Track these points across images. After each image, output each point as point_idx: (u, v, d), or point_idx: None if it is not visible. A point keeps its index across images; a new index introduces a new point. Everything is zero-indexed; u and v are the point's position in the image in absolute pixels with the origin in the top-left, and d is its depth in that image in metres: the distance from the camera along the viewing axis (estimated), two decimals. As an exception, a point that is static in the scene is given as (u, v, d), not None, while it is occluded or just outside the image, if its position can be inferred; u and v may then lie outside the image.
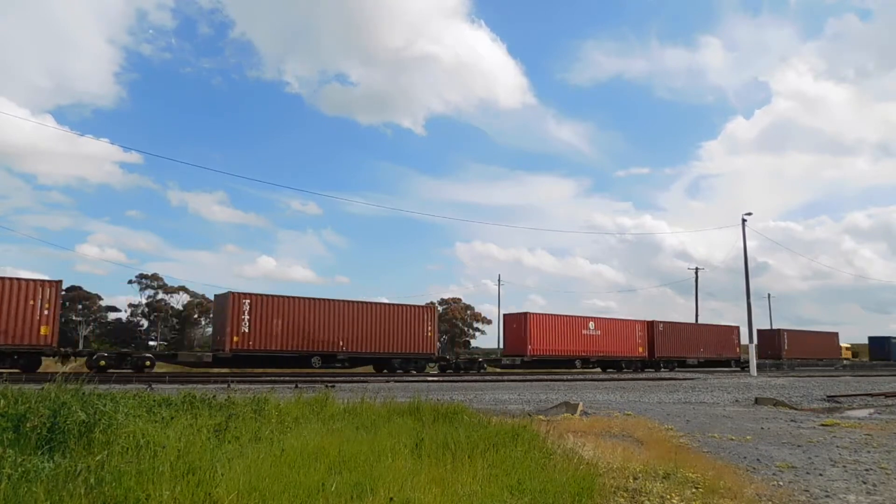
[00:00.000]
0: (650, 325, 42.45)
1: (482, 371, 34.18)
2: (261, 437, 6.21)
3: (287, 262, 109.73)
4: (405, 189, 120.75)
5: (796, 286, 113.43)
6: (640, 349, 41.38)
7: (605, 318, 41.21)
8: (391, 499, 4.05)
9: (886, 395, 19.23)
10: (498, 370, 35.25)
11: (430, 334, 32.35)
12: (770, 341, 52.44)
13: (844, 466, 6.72)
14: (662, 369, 41.68)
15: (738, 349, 47.62)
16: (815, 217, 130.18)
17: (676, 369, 42.53)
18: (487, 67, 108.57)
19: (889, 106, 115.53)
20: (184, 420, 6.83)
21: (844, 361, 59.84)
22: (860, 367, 55.06)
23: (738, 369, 44.83)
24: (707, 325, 48.84)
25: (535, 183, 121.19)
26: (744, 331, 43.72)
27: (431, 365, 32.86)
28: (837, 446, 8.19)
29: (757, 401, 15.79)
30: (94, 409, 5.67)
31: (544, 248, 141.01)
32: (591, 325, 39.45)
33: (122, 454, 4.86)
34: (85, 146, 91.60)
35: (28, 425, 5.07)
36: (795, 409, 14.27)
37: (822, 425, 10.52)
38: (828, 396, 18.74)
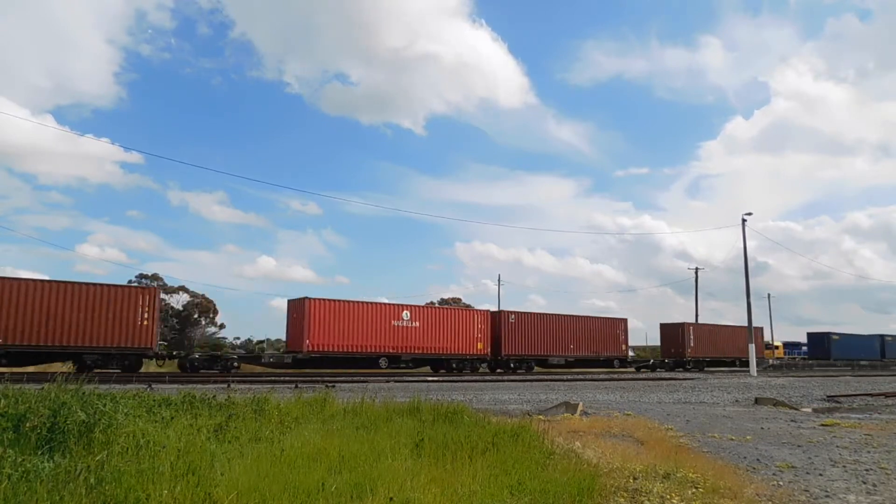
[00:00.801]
0: (496, 317, 36.11)
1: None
2: (261, 437, 6.21)
3: (287, 262, 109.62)
4: (405, 189, 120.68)
5: (796, 286, 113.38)
6: (480, 345, 34.71)
7: (431, 308, 36.31)
8: (391, 499, 4.05)
9: (886, 395, 19.24)
10: (272, 370, 29.29)
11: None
12: (673, 338, 44.88)
13: (844, 466, 6.72)
14: (518, 371, 35.07)
15: (624, 346, 40.99)
16: (814, 217, 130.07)
17: (536, 371, 36.46)
18: (488, 67, 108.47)
19: (889, 106, 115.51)
20: (184, 420, 6.84)
21: (771, 361, 52.20)
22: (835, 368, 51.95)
23: (622, 369, 39.53)
24: (583, 317, 40.43)
25: (535, 183, 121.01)
26: (634, 325, 41.75)
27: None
28: (837, 446, 8.19)
29: (757, 401, 15.79)
30: (94, 409, 5.67)
31: (544, 248, 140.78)
32: (406, 314, 32.50)
33: (122, 454, 4.86)
34: (86, 146, 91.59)
35: (28, 425, 5.07)
36: (795, 409, 14.27)
37: (822, 425, 10.52)
38: (828, 396, 18.75)
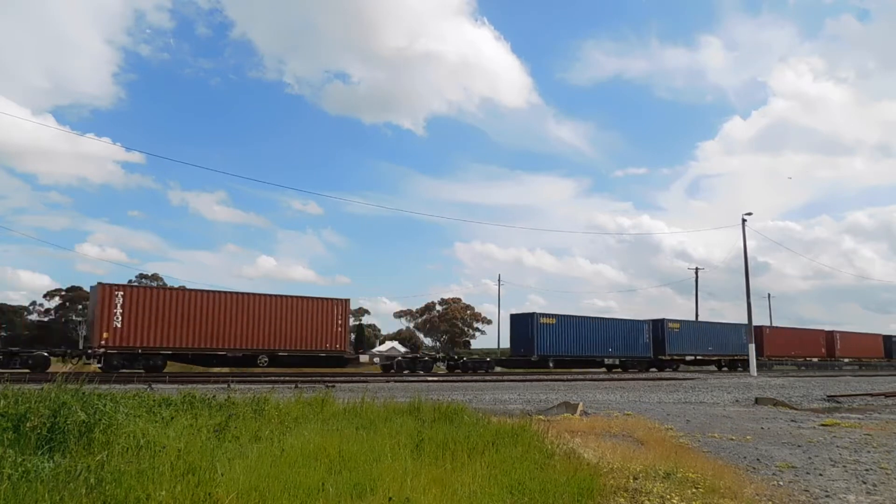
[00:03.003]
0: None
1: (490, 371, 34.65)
2: (261, 436, 6.21)
3: (287, 262, 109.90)
4: (405, 189, 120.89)
5: (797, 286, 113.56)
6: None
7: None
8: (390, 499, 4.04)
9: (886, 395, 19.23)
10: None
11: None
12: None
13: (844, 466, 6.72)
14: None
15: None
16: (815, 217, 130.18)
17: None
18: (491, 66, 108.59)
19: (888, 106, 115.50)
20: (184, 420, 6.83)
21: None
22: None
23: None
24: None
25: (534, 183, 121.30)
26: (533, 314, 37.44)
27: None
28: (837, 446, 8.19)
29: (757, 401, 15.80)
30: (94, 409, 5.67)
31: (544, 248, 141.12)
32: None
33: (122, 454, 4.86)
34: (86, 146, 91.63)
35: (28, 425, 5.07)
36: (795, 409, 14.27)
37: (822, 425, 10.52)
38: (828, 396, 18.74)
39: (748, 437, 8.87)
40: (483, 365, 35.31)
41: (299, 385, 16.41)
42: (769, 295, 71.98)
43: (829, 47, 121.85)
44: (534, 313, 37.34)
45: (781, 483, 5.80)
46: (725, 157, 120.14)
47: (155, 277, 62.65)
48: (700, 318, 54.37)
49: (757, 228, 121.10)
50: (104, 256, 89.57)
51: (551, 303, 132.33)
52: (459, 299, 77.14)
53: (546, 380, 26.05)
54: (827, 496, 5.33)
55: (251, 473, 4.49)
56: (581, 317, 39.87)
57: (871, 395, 19.53)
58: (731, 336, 46.62)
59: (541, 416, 10.03)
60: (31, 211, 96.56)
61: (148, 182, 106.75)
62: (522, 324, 37.86)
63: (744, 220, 39.08)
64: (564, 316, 38.56)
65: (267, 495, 4.04)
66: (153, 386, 13.39)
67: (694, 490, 5.14)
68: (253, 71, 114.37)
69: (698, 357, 44.74)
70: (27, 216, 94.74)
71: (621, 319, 42.17)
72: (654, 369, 41.78)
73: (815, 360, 54.32)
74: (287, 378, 21.43)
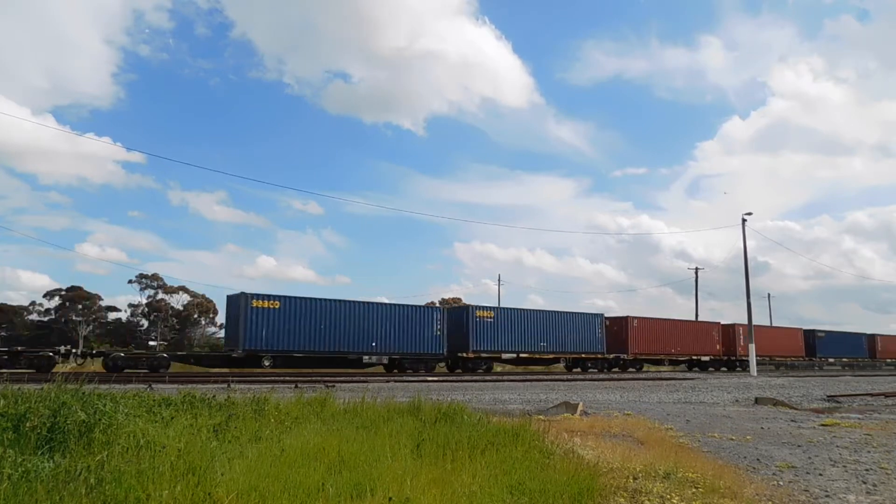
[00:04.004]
0: None
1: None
2: (261, 436, 6.21)
3: (287, 262, 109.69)
4: (405, 189, 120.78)
5: (797, 286, 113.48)
6: None
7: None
8: (390, 499, 4.04)
9: (886, 395, 19.24)
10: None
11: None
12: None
13: (844, 466, 6.72)
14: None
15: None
16: (815, 217, 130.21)
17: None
18: (493, 66, 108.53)
19: (888, 106, 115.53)
20: (184, 420, 6.83)
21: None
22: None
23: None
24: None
25: (535, 183, 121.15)
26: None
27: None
28: (837, 446, 8.19)
29: (757, 401, 15.80)
30: (94, 409, 5.67)
31: (544, 248, 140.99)
32: None
33: (122, 454, 4.85)
34: (86, 146, 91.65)
35: (28, 425, 5.07)
36: (795, 408, 14.27)
37: (822, 425, 10.52)
38: (828, 396, 18.75)
39: (748, 437, 8.87)
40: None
41: (299, 385, 16.42)
42: (769, 295, 71.83)
43: (828, 47, 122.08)
44: (243, 293, 27.55)
45: (781, 483, 5.80)
46: (725, 157, 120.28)
47: (155, 277, 62.60)
48: (700, 318, 54.36)
49: (757, 228, 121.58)
50: (104, 256, 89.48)
51: (550, 302, 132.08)
52: (460, 299, 77.01)
53: (546, 380, 26.07)
54: (827, 496, 5.33)
55: (251, 473, 4.49)
56: (316, 299, 29.15)
57: (872, 395, 19.54)
58: (580, 329, 37.35)
59: (541, 416, 10.03)
60: (31, 211, 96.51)
61: (148, 182, 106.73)
62: (234, 305, 28.28)
63: (744, 220, 39.13)
64: (289, 298, 28.32)
65: (267, 495, 4.04)
66: (153, 386, 13.39)
67: (694, 490, 5.13)
68: (253, 71, 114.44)
69: (522, 355, 34.84)
70: (27, 216, 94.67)
71: (400, 305, 32.43)
72: (457, 369, 33.50)
73: (708, 358, 43.71)
74: (287, 378, 21.43)
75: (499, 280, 67.37)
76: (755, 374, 35.80)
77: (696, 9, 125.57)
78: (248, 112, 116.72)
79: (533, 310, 36.98)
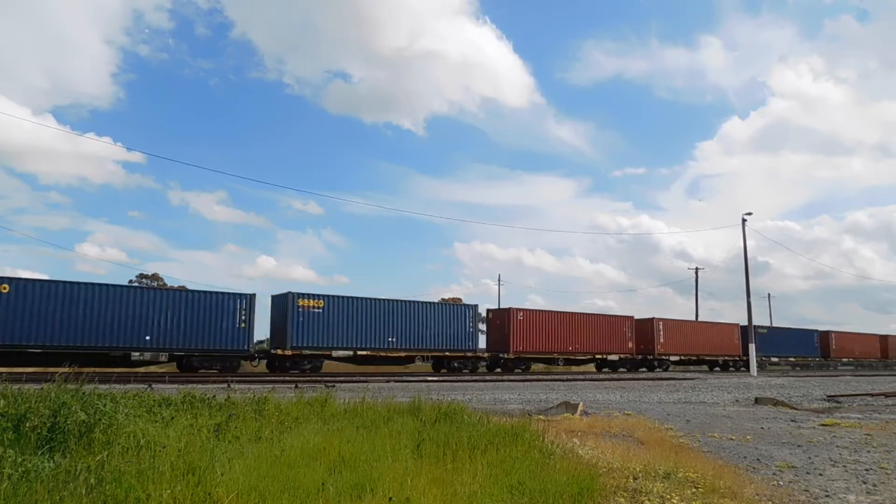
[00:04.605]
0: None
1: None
2: (261, 436, 6.21)
3: (287, 262, 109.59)
4: (405, 189, 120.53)
5: (797, 286, 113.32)
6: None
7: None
8: (390, 499, 4.05)
9: (886, 395, 19.24)
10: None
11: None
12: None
13: (844, 466, 6.73)
14: None
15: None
16: (815, 217, 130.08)
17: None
18: (493, 66, 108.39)
19: (888, 106, 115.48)
20: (184, 420, 6.84)
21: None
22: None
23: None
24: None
25: (535, 183, 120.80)
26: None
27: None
28: (837, 446, 8.20)
29: (757, 401, 15.80)
30: (94, 409, 5.66)
31: (544, 248, 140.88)
32: None
33: (122, 454, 4.86)
34: (86, 146, 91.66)
35: (28, 425, 5.07)
36: (795, 408, 14.28)
37: (822, 425, 10.52)
38: (828, 396, 18.75)
39: (748, 437, 8.87)
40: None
41: (299, 385, 16.43)
42: (769, 295, 71.76)
43: (828, 47, 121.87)
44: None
45: (781, 483, 5.80)
46: (725, 157, 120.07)
47: (155, 277, 62.63)
48: (700, 318, 54.32)
49: (757, 228, 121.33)
50: (104, 256, 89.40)
51: (550, 302, 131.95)
52: (460, 299, 77.06)
53: (546, 380, 26.07)
54: (827, 496, 5.33)
55: (251, 473, 4.49)
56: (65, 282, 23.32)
57: (871, 395, 19.54)
58: (444, 323, 32.29)
59: (541, 416, 10.04)
60: (31, 211, 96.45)
61: (148, 182, 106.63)
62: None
63: (744, 220, 39.11)
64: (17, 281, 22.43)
65: (267, 495, 4.04)
66: (153, 386, 13.40)
67: (694, 490, 5.14)
68: (253, 71, 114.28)
69: (361, 353, 29.45)
70: (27, 216, 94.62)
71: (192, 291, 26.58)
72: (272, 371, 27.69)
73: (617, 358, 38.78)
74: (287, 378, 21.43)
75: (499, 280, 67.38)
76: (755, 373, 35.81)
77: (696, 9, 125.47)
78: (248, 112, 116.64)
79: (379, 299, 30.58)
